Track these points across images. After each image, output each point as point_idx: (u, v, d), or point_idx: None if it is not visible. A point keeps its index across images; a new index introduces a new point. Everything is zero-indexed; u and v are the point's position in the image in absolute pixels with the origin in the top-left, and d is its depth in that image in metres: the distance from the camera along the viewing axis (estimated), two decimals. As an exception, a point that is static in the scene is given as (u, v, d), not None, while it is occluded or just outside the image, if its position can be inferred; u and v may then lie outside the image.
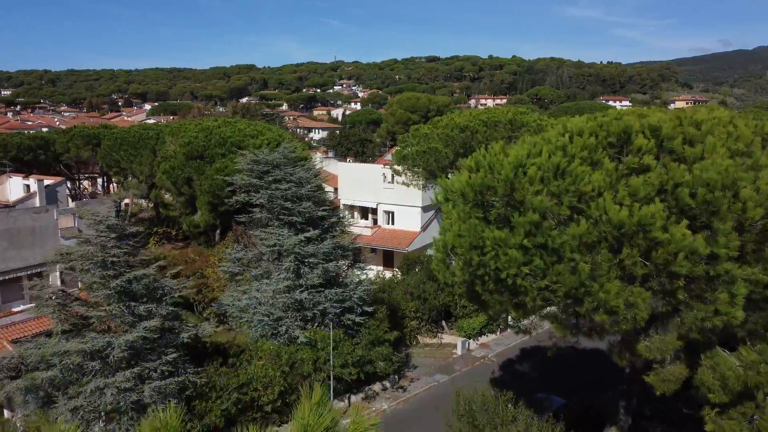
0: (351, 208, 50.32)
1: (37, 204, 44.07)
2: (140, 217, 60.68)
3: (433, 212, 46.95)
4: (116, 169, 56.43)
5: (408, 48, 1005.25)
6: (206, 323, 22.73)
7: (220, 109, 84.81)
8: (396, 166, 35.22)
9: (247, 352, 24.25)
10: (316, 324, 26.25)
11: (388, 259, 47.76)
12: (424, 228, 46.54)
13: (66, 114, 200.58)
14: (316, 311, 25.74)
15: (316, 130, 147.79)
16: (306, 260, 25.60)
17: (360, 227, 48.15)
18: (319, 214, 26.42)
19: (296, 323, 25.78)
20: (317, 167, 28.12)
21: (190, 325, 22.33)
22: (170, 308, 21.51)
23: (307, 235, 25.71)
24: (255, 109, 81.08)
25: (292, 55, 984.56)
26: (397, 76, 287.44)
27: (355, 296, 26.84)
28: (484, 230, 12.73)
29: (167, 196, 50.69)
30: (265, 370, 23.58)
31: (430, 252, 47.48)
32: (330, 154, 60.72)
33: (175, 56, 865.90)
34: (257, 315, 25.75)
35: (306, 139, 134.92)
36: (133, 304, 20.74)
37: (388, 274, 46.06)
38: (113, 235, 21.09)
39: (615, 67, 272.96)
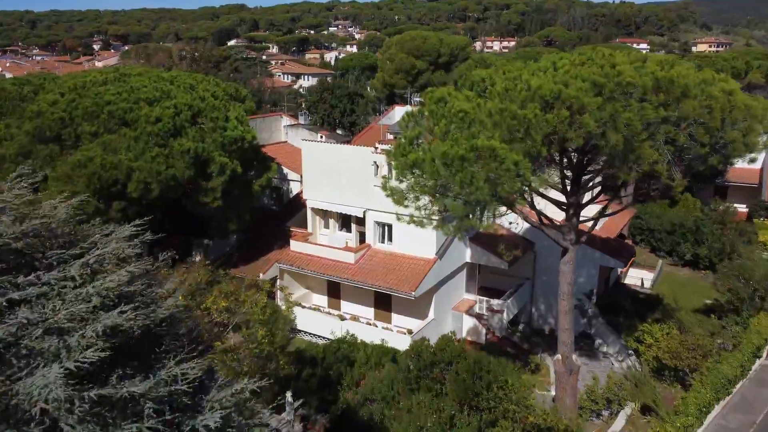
0: (324, 213, 30.88)
1: None
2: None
3: (455, 226, 27.63)
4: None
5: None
6: None
7: (173, 46, 62.83)
8: (394, 183, 15.60)
9: None
10: None
11: (383, 299, 28.79)
12: (442, 253, 27.39)
13: (36, 58, 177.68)
14: None
15: (306, 77, 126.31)
16: None
17: (336, 249, 28.92)
18: None
19: None
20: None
21: None
22: None
23: None
24: (212, 55, 59.95)
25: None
26: (396, 17, 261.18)
27: None
28: None
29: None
30: None
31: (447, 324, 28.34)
32: (302, 119, 41.03)
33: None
34: None
35: (294, 86, 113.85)
36: None
37: (382, 333, 27.14)
38: None
39: (629, 6, 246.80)
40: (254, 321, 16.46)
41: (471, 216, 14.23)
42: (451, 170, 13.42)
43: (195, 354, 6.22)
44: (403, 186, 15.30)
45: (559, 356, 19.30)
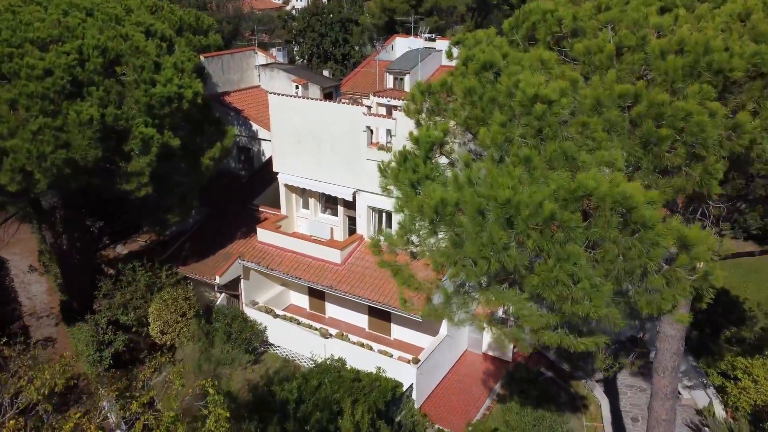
0: (301, 192, 23.27)
1: None
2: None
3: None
4: None
5: None
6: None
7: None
8: (398, 234, 7.94)
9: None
10: None
11: (379, 311, 21.59)
12: (459, 252, 19.96)
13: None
14: None
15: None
16: None
17: (317, 244, 21.52)
18: None
19: None
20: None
21: None
22: None
23: None
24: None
25: None
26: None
27: None
28: None
29: None
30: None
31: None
32: (279, 56, 32.36)
33: None
34: None
35: (285, 8, 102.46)
36: None
37: (379, 359, 20.14)
38: None
39: None
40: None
41: (559, 330, 6.85)
42: (524, 242, 5.89)
43: None
44: (413, 245, 7.66)
45: (649, 460, 12.42)
